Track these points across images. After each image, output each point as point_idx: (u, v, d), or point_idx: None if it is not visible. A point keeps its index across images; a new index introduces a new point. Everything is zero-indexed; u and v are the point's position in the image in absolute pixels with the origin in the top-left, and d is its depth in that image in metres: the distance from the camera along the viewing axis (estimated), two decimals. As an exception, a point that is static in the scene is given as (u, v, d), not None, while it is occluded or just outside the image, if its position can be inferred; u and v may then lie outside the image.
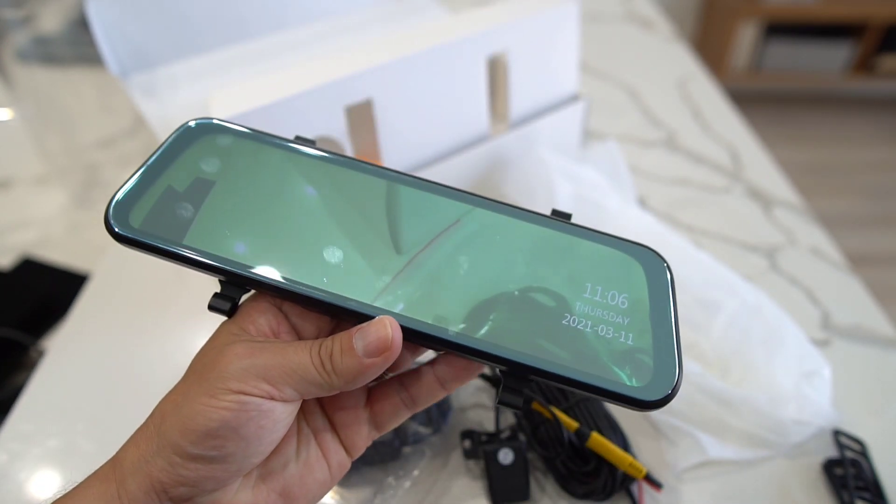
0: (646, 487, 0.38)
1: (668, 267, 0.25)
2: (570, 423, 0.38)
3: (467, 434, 0.40)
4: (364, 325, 0.23)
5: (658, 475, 0.39)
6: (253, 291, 0.25)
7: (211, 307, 0.24)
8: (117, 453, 0.23)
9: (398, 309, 0.23)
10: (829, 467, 0.40)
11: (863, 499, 0.38)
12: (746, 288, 0.47)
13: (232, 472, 0.22)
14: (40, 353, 0.49)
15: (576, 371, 0.22)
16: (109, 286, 0.52)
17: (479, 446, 0.39)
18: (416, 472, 0.40)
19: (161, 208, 0.24)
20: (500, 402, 0.23)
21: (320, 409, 0.26)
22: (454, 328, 0.23)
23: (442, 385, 0.26)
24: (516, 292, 0.24)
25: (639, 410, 0.22)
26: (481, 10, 0.51)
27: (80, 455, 0.41)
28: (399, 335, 0.23)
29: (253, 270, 0.23)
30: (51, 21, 0.68)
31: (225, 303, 0.24)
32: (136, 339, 0.48)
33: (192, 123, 0.27)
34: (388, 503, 0.39)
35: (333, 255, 0.24)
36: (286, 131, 0.42)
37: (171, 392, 0.24)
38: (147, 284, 0.52)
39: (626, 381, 0.22)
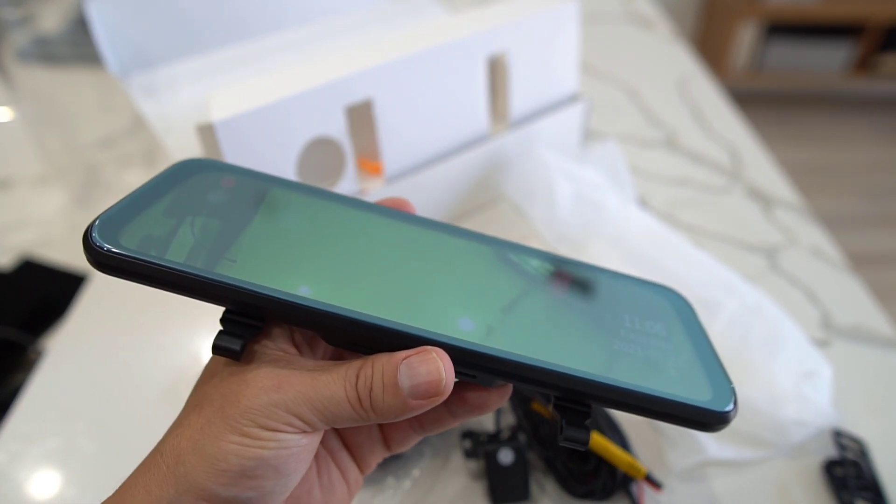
0: (646, 487, 0.38)
1: (689, 302, 0.26)
2: (570, 423, 0.38)
3: (467, 434, 0.40)
4: (413, 357, 0.20)
5: (658, 475, 0.39)
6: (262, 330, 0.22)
7: (217, 348, 0.21)
8: (118, 496, 0.20)
9: (453, 333, 0.21)
10: (829, 467, 0.40)
11: (863, 499, 0.38)
12: (746, 288, 0.47)
13: None
14: (40, 353, 0.49)
15: (649, 389, 0.21)
16: (109, 286, 0.52)
17: (479, 446, 0.39)
18: (416, 472, 0.40)
19: (158, 231, 0.21)
20: (567, 439, 0.21)
21: (334, 430, 0.25)
22: (515, 350, 0.21)
23: (453, 416, 0.24)
24: (561, 323, 0.23)
25: (709, 429, 0.21)
26: (481, 10, 0.51)
27: (80, 455, 0.41)
28: (452, 376, 0.20)
29: (275, 293, 0.20)
30: (51, 21, 0.68)
31: (235, 341, 0.20)
32: (136, 338, 0.48)
33: (189, 160, 0.25)
34: (388, 503, 0.39)
35: (366, 278, 0.22)
36: (286, 131, 0.42)
37: (180, 427, 0.20)
38: (147, 284, 0.52)
39: (695, 396, 0.21)
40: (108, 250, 0.20)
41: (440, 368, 0.20)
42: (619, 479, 0.37)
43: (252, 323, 0.21)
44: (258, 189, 0.24)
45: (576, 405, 0.22)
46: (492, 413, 0.42)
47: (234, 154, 0.40)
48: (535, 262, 0.25)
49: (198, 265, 0.20)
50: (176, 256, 0.20)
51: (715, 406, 0.21)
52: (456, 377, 0.21)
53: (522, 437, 0.39)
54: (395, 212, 0.25)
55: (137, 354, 0.47)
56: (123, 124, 0.69)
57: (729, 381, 0.22)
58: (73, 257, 0.56)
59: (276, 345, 0.22)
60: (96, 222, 0.20)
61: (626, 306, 0.24)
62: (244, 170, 0.25)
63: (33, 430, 0.42)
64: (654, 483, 0.37)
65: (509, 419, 0.42)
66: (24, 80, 0.61)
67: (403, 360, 0.20)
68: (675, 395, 0.21)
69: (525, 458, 0.38)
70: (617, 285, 0.26)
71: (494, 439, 0.39)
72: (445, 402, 0.23)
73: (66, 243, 0.58)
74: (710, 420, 0.21)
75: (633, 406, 0.21)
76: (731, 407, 0.21)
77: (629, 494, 0.38)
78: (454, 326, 0.21)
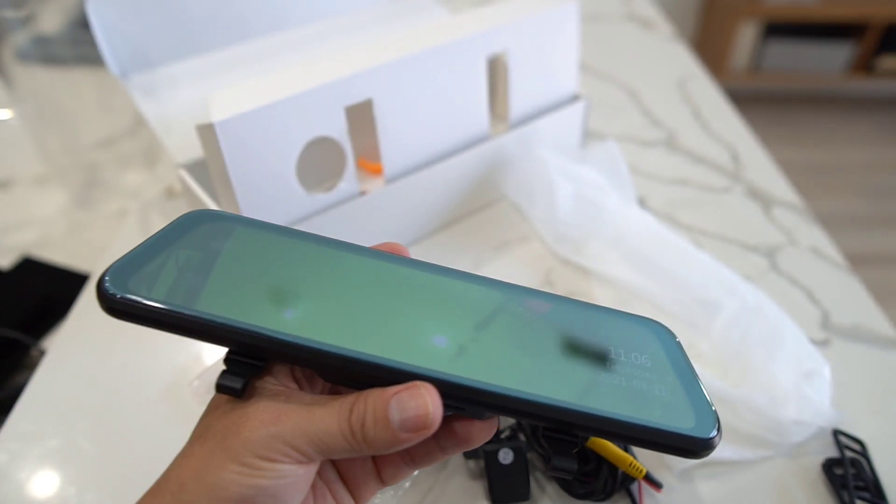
0: (646, 487, 0.38)
1: (673, 333, 0.26)
2: (570, 423, 0.38)
3: (467, 434, 0.40)
4: (402, 392, 0.21)
5: (658, 475, 0.39)
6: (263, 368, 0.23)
7: (220, 387, 0.22)
8: None
9: (442, 367, 0.22)
10: (829, 467, 0.40)
11: (863, 499, 0.38)
12: (746, 288, 0.47)
13: None
14: (40, 353, 0.49)
15: (634, 419, 0.22)
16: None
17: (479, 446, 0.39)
18: (416, 472, 0.40)
19: (166, 278, 0.23)
20: (554, 468, 0.22)
21: (330, 462, 0.26)
22: (502, 383, 0.22)
23: (442, 450, 0.25)
24: (548, 357, 0.24)
25: (693, 455, 0.22)
26: (481, 10, 0.51)
27: (80, 455, 0.41)
28: (439, 409, 0.21)
29: (272, 333, 0.22)
30: (51, 21, 0.68)
31: (237, 380, 0.22)
32: (136, 339, 0.48)
33: (193, 212, 0.26)
34: (388, 503, 0.39)
35: (359, 318, 0.23)
36: (286, 131, 0.42)
37: (185, 457, 0.22)
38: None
39: (679, 424, 0.22)
40: (113, 294, 0.21)
41: (427, 403, 0.21)
42: (619, 479, 0.37)
43: (253, 363, 0.23)
44: (258, 238, 0.26)
45: (564, 435, 0.23)
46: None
47: (235, 154, 0.40)
48: (521, 298, 0.26)
49: (199, 309, 0.22)
50: (179, 301, 0.22)
51: (698, 433, 0.22)
52: (446, 410, 0.22)
53: (522, 437, 0.39)
54: (389, 255, 0.27)
55: (137, 354, 0.47)
56: (123, 124, 0.69)
57: (712, 408, 0.23)
58: (73, 257, 0.56)
59: (278, 380, 0.23)
60: (108, 272, 0.22)
61: (612, 339, 0.25)
62: (247, 219, 0.27)
63: (33, 430, 0.42)
64: (654, 483, 0.37)
65: (509, 419, 0.42)
66: (24, 80, 0.61)
67: (394, 395, 0.21)
68: (659, 424, 0.22)
69: (525, 458, 0.38)
70: (602, 319, 0.26)
71: (494, 439, 0.39)
72: (435, 436, 0.24)
73: (66, 243, 0.58)
74: (694, 447, 0.22)
75: (619, 435, 0.22)
76: (714, 433, 0.22)
77: (629, 494, 0.38)
78: (444, 362, 0.22)
